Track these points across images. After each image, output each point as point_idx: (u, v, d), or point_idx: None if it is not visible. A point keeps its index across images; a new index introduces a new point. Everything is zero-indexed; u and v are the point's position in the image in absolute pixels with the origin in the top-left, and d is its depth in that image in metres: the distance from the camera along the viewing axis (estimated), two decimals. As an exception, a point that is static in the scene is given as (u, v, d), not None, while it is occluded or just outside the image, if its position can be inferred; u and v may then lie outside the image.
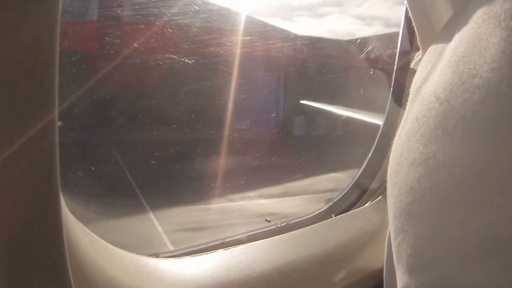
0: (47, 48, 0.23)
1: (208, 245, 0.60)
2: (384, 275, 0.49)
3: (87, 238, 0.36)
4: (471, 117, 0.27)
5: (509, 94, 0.25)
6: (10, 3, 0.21)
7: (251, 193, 1.95)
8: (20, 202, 0.23)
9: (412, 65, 0.52)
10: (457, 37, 0.31)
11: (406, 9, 0.67)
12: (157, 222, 1.52)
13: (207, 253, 0.54)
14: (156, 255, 0.52)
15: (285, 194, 2.07)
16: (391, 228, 0.36)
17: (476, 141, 0.27)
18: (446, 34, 0.34)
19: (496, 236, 0.26)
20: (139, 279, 0.41)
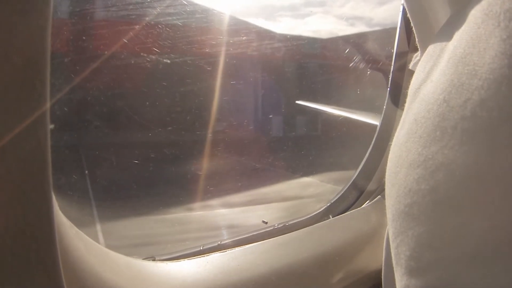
0: (39, 47, 0.22)
1: (204, 247, 0.59)
2: (382, 277, 0.49)
3: (82, 241, 0.35)
4: (471, 118, 0.27)
5: (509, 95, 0.25)
6: (1, 2, 0.21)
7: (213, 202, 1.76)
8: (10, 205, 0.23)
9: (410, 66, 0.52)
10: (456, 38, 0.31)
11: (404, 9, 0.67)
12: (101, 235, 1.31)
13: (204, 256, 0.54)
14: (152, 258, 0.52)
15: (251, 203, 1.89)
16: (390, 230, 0.36)
17: (476, 143, 0.26)
18: (445, 34, 0.34)
19: (497, 238, 0.26)
20: (134, 283, 0.40)
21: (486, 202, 0.26)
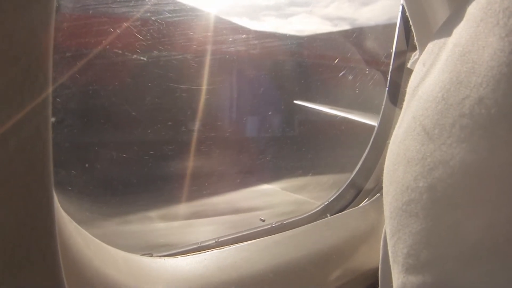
0: (42, 43, 0.22)
1: (202, 244, 0.59)
2: (379, 275, 0.49)
3: (80, 236, 0.35)
4: (469, 116, 0.27)
5: (507, 92, 0.25)
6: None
7: (152, 213, 1.55)
8: (13, 197, 0.23)
9: (408, 65, 0.52)
10: (455, 36, 0.31)
11: (403, 8, 0.67)
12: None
13: (201, 253, 0.54)
14: (150, 254, 0.52)
15: (194, 216, 1.63)
16: (387, 228, 0.36)
17: (474, 140, 0.26)
18: (443, 33, 0.34)
19: (495, 236, 0.26)
20: (133, 278, 0.40)
21: (484, 199, 0.26)
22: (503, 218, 0.26)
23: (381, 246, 0.50)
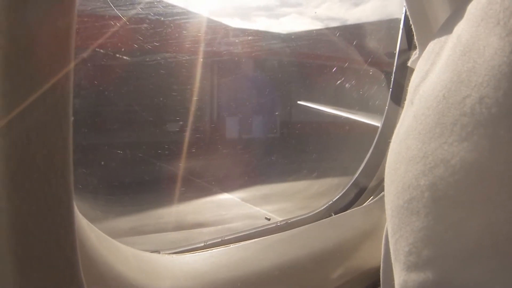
0: (64, 43, 0.24)
1: (208, 242, 0.60)
2: (381, 273, 0.49)
3: (93, 233, 0.36)
4: (470, 115, 0.27)
5: (508, 92, 0.25)
6: (29, 2, 0.22)
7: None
8: (34, 193, 0.24)
9: (409, 63, 0.52)
10: (455, 36, 0.31)
11: (405, 8, 0.67)
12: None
13: (207, 250, 0.54)
14: (157, 252, 0.53)
15: (131, 232, 1.39)
16: (389, 226, 0.36)
17: (475, 139, 0.27)
18: (444, 32, 0.34)
19: (496, 235, 0.26)
20: (143, 274, 0.41)
21: (485, 198, 0.27)
22: (504, 217, 0.26)
23: (382, 245, 0.50)
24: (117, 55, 1.28)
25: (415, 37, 0.50)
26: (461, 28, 0.31)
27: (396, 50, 0.74)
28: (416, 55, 0.49)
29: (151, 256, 0.48)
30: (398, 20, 0.72)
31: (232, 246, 0.56)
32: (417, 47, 0.50)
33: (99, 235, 0.38)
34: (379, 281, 0.48)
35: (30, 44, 0.22)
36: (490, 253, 0.27)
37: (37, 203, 0.24)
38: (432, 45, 0.36)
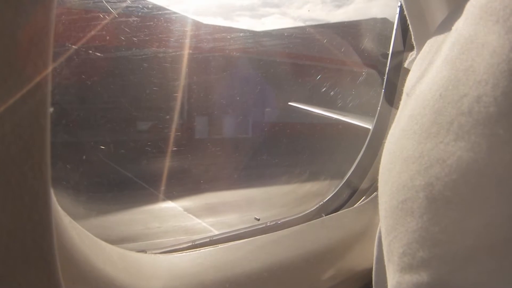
0: (43, 27, 0.23)
1: (196, 242, 0.59)
2: (373, 275, 0.49)
3: (75, 231, 0.35)
4: (468, 114, 0.27)
5: (507, 91, 0.25)
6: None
7: None
8: (8, 189, 0.23)
9: (405, 64, 0.52)
10: (454, 35, 0.31)
11: (401, 8, 0.67)
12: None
13: (195, 250, 0.53)
14: (144, 251, 0.52)
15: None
16: (382, 227, 0.36)
17: (472, 138, 0.26)
18: (442, 31, 0.34)
19: (493, 235, 0.26)
20: (127, 274, 0.40)
21: (481, 198, 0.26)
22: (500, 218, 0.26)
23: (375, 246, 0.50)
24: (90, 51, 1.27)
25: (413, 38, 0.50)
26: (460, 26, 0.31)
27: (389, 51, 0.74)
28: (414, 56, 0.49)
29: (136, 256, 0.47)
30: (377, 20, 0.72)
31: (220, 246, 0.56)
32: (415, 47, 0.50)
33: (82, 233, 0.37)
34: (371, 282, 0.47)
35: (8, 40, 0.21)
36: (487, 254, 0.27)
37: (12, 198, 0.23)
38: (429, 44, 0.36)
